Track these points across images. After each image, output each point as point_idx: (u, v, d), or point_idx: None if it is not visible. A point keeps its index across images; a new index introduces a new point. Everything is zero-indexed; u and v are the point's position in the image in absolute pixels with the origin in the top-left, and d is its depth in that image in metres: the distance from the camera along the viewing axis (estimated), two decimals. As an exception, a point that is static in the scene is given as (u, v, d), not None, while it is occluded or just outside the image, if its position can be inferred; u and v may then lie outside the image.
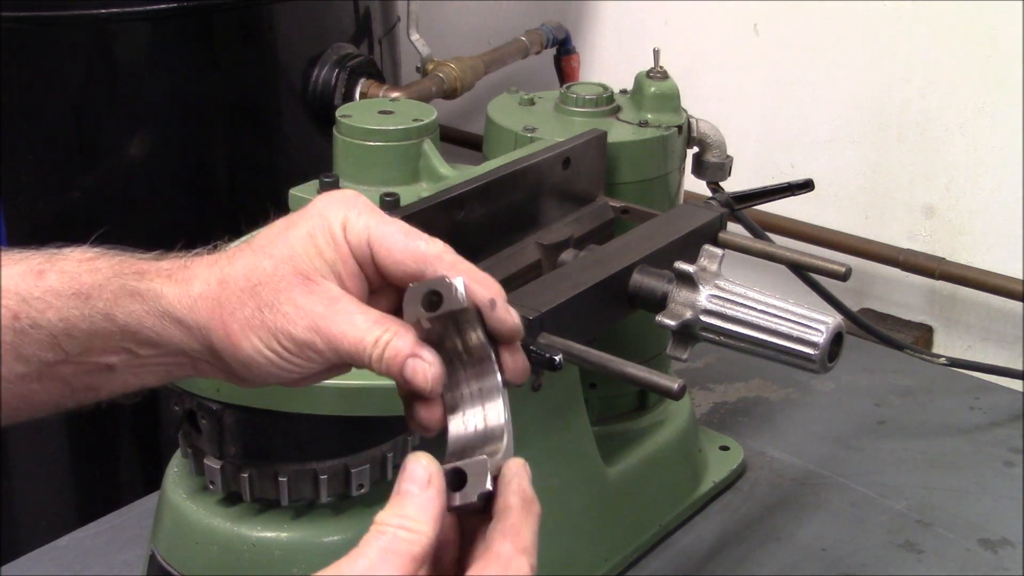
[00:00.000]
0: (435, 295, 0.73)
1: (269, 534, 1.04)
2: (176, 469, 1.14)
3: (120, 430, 2.13)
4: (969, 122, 2.39)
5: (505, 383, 0.75)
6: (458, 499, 0.70)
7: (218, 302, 0.76)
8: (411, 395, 0.75)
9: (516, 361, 0.76)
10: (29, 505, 2.12)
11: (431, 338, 0.74)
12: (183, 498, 1.10)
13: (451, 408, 0.76)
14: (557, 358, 0.90)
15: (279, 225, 0.78)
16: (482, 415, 0.75)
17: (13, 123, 1.91)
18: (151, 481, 1.28)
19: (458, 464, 0.71)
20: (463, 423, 0.75)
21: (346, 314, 0.74)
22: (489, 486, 0.70)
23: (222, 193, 2.07)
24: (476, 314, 0.74)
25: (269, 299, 0.75)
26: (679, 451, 1.33)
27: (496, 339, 0.75)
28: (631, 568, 1.26)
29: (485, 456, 0.71)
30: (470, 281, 0.73)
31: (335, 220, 0.76)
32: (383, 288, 0.77)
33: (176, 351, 0.78)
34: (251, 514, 1.05)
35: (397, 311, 0.76)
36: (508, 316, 0.75)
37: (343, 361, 0.75)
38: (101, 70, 1.95)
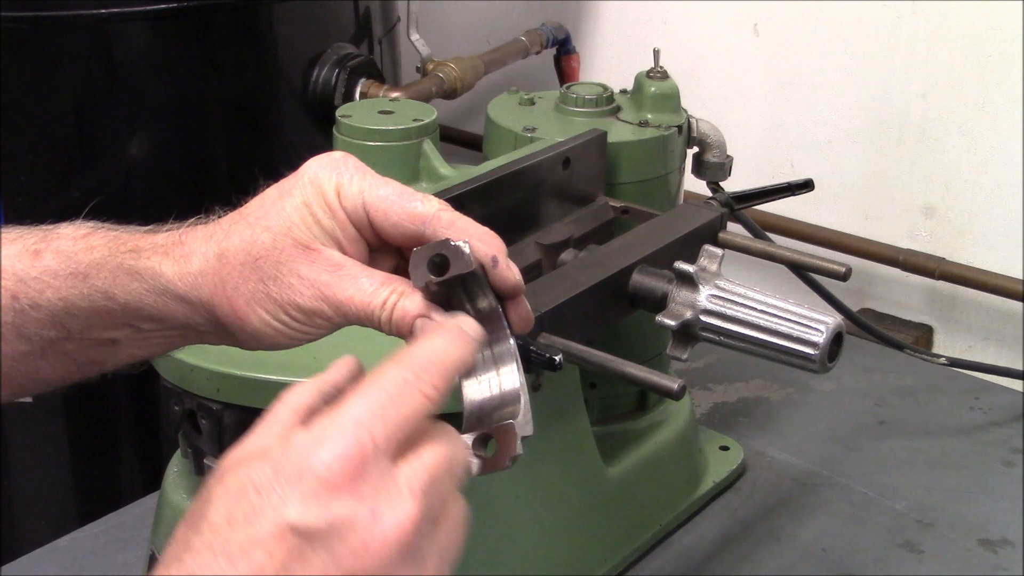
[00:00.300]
0: (441, 258, 0.72)
1: (269, 534, 1.04)
2: (176, 469, 1.14)
3: (120, 430, 2.13)
4: (969, 122, 2.39)
5: (511, 335, 0.75)
6: (487, 465, 0.70)
7: (220, 278, 0.75)
8: None
9: (520, 313, 0.76)
10: (29, 505, 2.12)
11: (439, 300, 0.74)
12: (183, 498, 1.10)
13: (464, 374, 0.75)
14: (557, 358, 0.91)
15: (271, 195, 0.77)
16: (497, 379, 0.75)
17: (13, 123, 1.91)
18: (151, 481, 1.28)
19: (486, 430, 0.71)
20: (478, 388, 0.75)
21: (351, 278, 0.74)
22: (520, 450, 0.70)
23: (222, 193, 2.06)
24: (483, 275, 0.74)
25: (272, 272, 0.74)
26: (679, 451, 1.33)
27: (499, 295, 0.75)
28: (631, 568, 1.26)
29: (512, 421, 0.71)
30: (472, 240, 0.73)
31: (328, 186, 0.75)
32: (383, 247, 0.77)
33: (180, 325, 0.78)
34: (251, 514, 1.05)
35: (399, 269, 0.77)
36: (509, 273, 0.74)
37: (352, 324, 0.75)
38: (101, 70, 1.95)
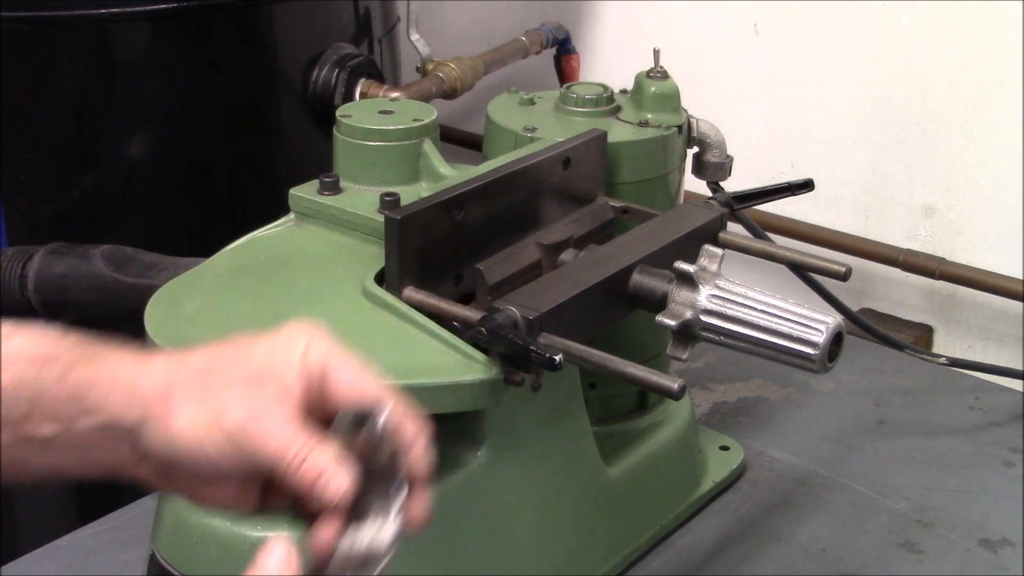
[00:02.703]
0: (362, 417, 0.76)
1: (269, 534, 1.04)
2: (176, 469, 1.13)
3: (120, 430, 2.12)
4: (969, 122, 2.39)
5: (404, 524, 0.77)
6: None
7: (170, 377, 0.79)
8: (312, 516, 0.78)
9: (420, 503, 0.78)
10: (29, 505, 2.12)
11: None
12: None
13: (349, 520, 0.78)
14: (557, 358, 0.91)
15: (245, 339, 0.81)
16: (372, 534, 0.76)
17: (13, 123, 1.91)
18: (151, 481, 1.27)
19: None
20: (351, 538, 0.77)
21: (282, 420, 0.77)
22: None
23: (222, 193, 2.07)
24: (398, 445, 0.77)
25: (218, 385, 0.78)
26: (679, 451, 1.33)
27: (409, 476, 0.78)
28: (631, 568, 1.26)
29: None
30: (400, 413, 0.77)
31: (299, 340, 0.79)
32: (320, 421, 0.80)
33: (109, 423, 0.79)
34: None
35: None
36: (424, 456, 0.78)
37: (259, 465, 0.77)
38: (101, 70, 1.95)
